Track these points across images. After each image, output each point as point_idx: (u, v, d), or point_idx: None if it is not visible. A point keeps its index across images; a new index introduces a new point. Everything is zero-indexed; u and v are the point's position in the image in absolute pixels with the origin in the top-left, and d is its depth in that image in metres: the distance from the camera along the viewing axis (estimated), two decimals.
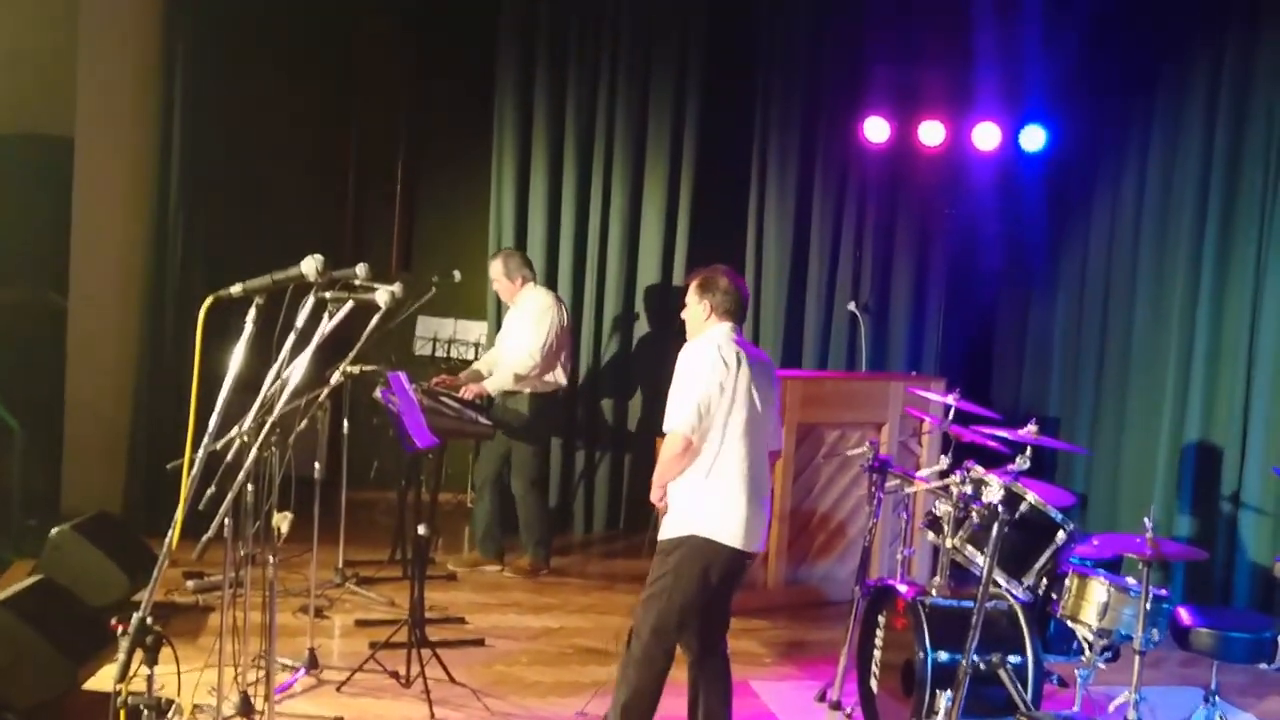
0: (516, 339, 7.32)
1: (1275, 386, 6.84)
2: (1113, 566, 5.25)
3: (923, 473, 5.83)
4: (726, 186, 8.69)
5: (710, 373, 4.47)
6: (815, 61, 8.53)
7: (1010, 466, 4.89)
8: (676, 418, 4.48)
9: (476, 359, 8.08)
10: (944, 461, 5.52)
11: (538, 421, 7.41)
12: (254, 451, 3.93)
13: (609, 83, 8.55)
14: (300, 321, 3.86)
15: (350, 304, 4.16)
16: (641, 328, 8.67)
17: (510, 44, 8.50)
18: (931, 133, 8.37)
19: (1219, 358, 7.16)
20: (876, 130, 8.36)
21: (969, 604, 4.66)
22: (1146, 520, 4.73)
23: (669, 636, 4.52)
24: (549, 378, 7.37)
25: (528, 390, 7.30)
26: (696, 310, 4.69)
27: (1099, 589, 4.79)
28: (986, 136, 8.34)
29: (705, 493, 4.48)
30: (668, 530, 4.57)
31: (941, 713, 4.54)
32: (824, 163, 8.58)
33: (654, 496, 4.69)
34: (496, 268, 7.49)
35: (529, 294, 7.43)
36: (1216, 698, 5.21)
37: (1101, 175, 8.11)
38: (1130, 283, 7.80)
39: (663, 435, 7.00)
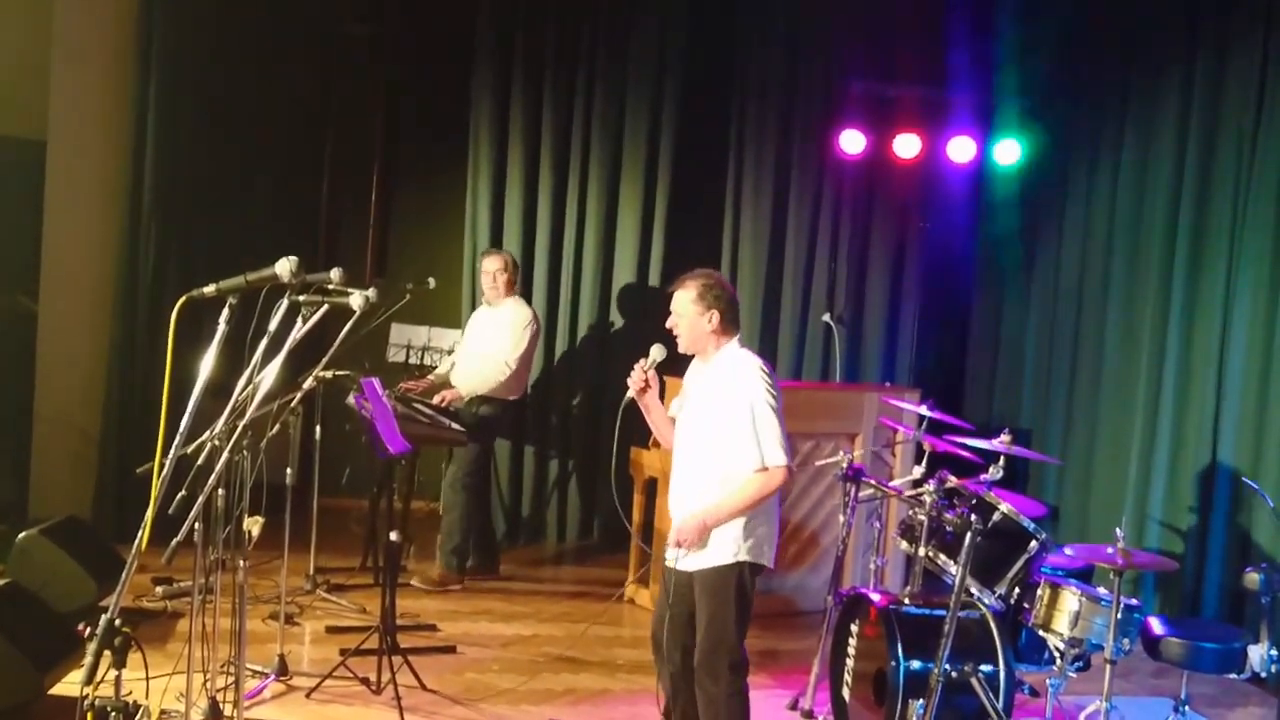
0: (495, 346, 7.27)
1: (1245, 399, 6.88)
2: (1084, 576, 5.28)
3: (896, 482, 5.85)
4: (702, 195, 8.69)
5: (777, 397, 4.27)
6: (792, 74, 8.56)
7: (983, 477, 4.92)
8: (777, 451, 4.19)
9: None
10: (917, 471, 5.53)
11: (494, 426, 7.40)
12: (225, 456, 3.90)
13: (585, 90, 8.54)
14: (273, 325, 3.84)
15: (324, 308, 4.15)
16: (616, 336, 8.65)
17: (487, 50, 8.48)
18: (907, 145, 8.41)
19: (1190, 369, 7.20)
20: (852, 142, 8.39)
21: (941, 613, 4.67)
22: (1118, 531, 4.75)
23: (740, 659, 4.31)
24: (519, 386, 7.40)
25: (495, 396, 7.29)
26: (699, 322, 4.36)
27: (1071, 598, 4.82)
28: (961, 149, 8.39)
29: (756, 520, 4.30)
30: (705, 560, 4.30)
31: None
32: (800, 173, 8.60)
33: (697, 536, 4.26)
34: (500, 262, 7.30)
35: (513, 304, 7.38)
36: (1186, 708, 5.24)
37: (1074, 189, 8.15)
38: (1102, 295, 7.85)
39: (645, 448, 7.09)
